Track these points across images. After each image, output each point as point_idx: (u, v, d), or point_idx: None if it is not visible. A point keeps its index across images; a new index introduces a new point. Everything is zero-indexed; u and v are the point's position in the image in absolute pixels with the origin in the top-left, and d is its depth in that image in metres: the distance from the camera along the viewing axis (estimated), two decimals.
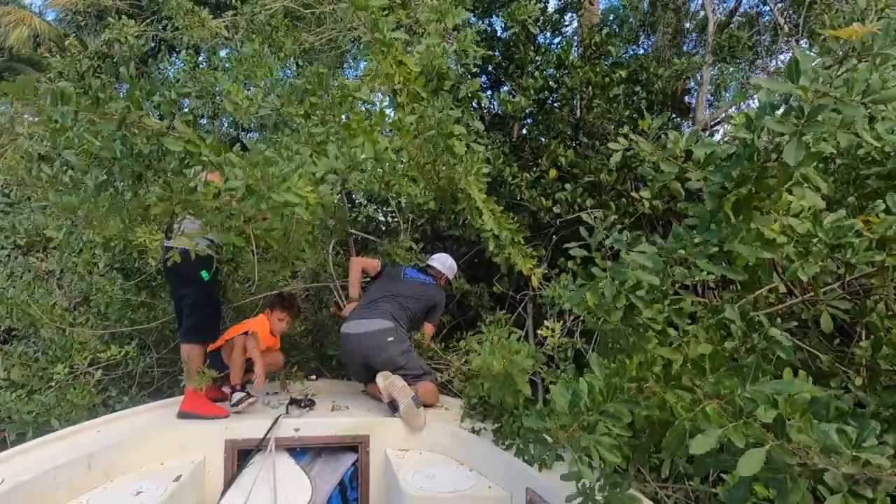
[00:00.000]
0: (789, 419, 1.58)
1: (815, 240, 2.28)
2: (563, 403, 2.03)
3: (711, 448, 1.62)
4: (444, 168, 4.15)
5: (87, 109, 2.43)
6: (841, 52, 1.61)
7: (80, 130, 2.50)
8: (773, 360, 2.31)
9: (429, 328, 5.11)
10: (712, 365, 1.94)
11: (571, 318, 4.90)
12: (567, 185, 5.76)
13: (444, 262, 5.37)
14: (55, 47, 11.57)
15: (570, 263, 2.57)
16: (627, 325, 2.32)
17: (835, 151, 1.72)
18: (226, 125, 5.36)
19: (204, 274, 4.13)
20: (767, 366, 1.83)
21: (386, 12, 3.98)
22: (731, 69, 7.23)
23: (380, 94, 4.12)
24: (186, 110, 6.15)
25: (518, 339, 3.72)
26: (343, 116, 3.56)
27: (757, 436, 1.59)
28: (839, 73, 1.62)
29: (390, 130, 3.74)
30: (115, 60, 8.50)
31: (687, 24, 7.80)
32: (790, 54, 6.43)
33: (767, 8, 7.06)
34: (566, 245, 2.63)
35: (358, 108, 3.75)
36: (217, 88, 4.33)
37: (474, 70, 4.28)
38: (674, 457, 1.89)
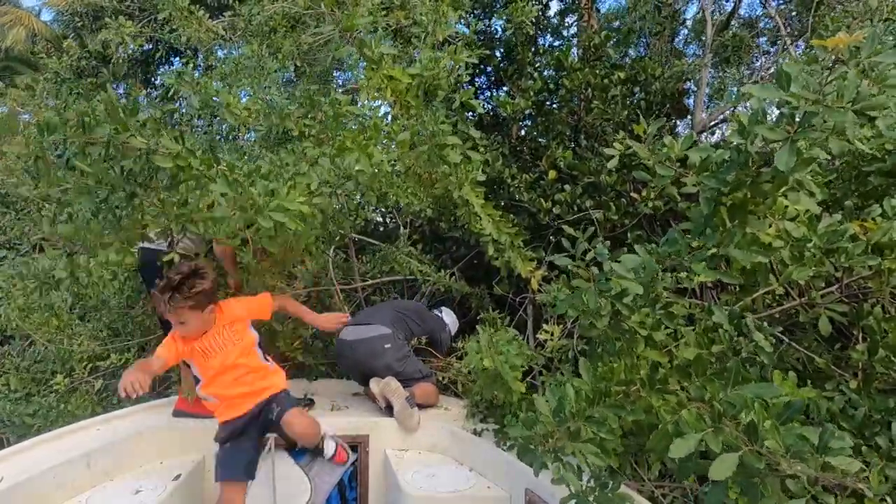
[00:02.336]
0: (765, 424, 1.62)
1: (810, 244, 2.30)
2: (547, 411, 2.05)
3: (691, 452, 1.66)
4: (439, 177, 4.15)
5: (74, 137, 2.43)
6: (829, 60, 1.63)
7: (69, 158, 2.51)
8: (761, 363, 2.34)
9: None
10: (697, 369, 1.97)
11: (571, 320, 4.90)
12: (566, 187, 5.76)
13: (449, 314, 5.45)
14: (52, 47, 11.59)
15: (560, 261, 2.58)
16: (615, 331, 2.35)
17: (828, 157, 1.73)
18: (224, 129, 5.37)
19: None
20: (748, 371, 1.87)
21: (384, 13, 3.98)
22: (731, 70, 7.24)
23: (377, 103, 4.12)
24: (181, 113, 6.12)
25: (514, 339, 3.73)
26: (338, 135, 3.56)
27: (730, 441, 1.64)
28: (829, 80, 1.64)
29: (386, 140, 3.75)
30: (133, 68, 8.51)
31: (685, 29, 7.81)
32: (789, 57, 6.44)
33: (768, 9, 7.06)
34: (550, 258, 2.66)
35: (351, 123, 3.74)
36: (216, 99, 4.31)
37: (469, 76, 4.29)
38: (660, 459, 1.93)
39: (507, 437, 3.51)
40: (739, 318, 2.33)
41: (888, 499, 2.11)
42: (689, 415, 1.75)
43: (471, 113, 5.73)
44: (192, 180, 2.68)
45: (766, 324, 2.46)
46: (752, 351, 2.30)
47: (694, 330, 2.41)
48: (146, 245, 4.07)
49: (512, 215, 4.76)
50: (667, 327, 2.35)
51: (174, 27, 6.29)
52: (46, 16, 18.56)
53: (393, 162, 3.68)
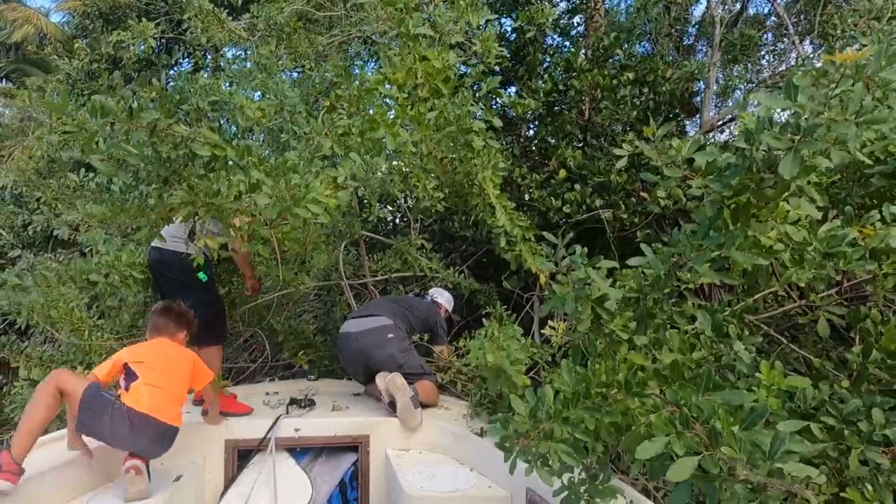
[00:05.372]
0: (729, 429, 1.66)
1: (810, 248, 2.31)
2: (524, 410, 2.06)
3: (658, 454, 1.70)
4: (460, 163, 4.18)
5: (122, 121, 2.53)
6: (837, 74, 1.65)
7: (116, 140, 2.60)
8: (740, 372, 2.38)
9: (443, 350, 5.18)
10: (673, 374, 1.99)
11: (572, 322, 4.90)
12: (576, 186, 5.77)
13: (442, 294, 5.51)
14: (62, 48, 11.66)
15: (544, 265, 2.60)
16: (596, 334, 2.38)
17: (831, 166, 1.76)
18: (234, 129, 5.42)
19: (201, 275, 3.99)
20: (725, 379, 1.89)
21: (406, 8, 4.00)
22: (739, 69, 7.21)
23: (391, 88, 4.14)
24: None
25: (519, 335, 3.72)
26: (368, 109, 3.59)
27: (691, 445, 1.66)
28: (835, 93, 1.66)
29: (409, 124, 3.77)
30: (144, 69, 8.62)
31: (692, 29, 7.78)
32: (796, 55, 6.41)
33: (776, 7, 7.02)
34: (540, 264, 2.69)
35: (379, 101, 3.77)
36: (230, 101, 4.33)
37: (493, 69, 4.32)
38: (634, 461, 1.95)
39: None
40: (723, 323, 2.35)
41: (868, 485, 2.15)
42: (659, 418, 1.77)
43: (495, 104, 5.76)
44: (225, 170, 2.75)
45: (750, 330, 2.47)
46: (733, 359, 2.32)
47: (681, 332, 2.42)
48: (157, 244, 4.08)
49: (522, 214, 4.76)
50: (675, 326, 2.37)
51: (194, 28, 6.31)
52: (56, 17, 18.73)
53: (416, 143, 3.70)
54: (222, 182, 2.75)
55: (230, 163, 2.71)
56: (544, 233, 2.56)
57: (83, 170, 4.38)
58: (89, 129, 2.54)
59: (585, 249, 2.38)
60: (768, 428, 1.60)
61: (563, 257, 2.38)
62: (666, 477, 1.61)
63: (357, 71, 3.89)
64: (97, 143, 2.65)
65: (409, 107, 3.68)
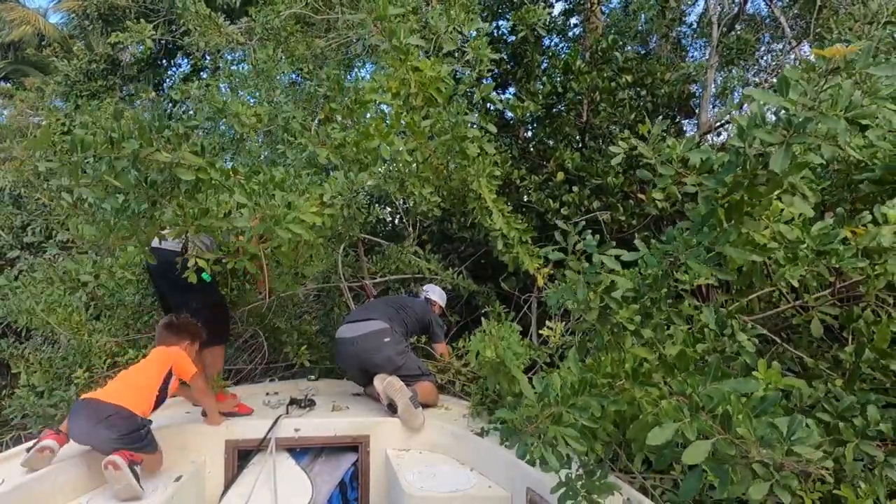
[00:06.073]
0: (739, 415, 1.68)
1: (803, 245, 2.33)
2: (533, 395, 2.07)
3: (668, 440, 1.72)
4: (455, 169, 4.19)
5: (104, 153, 2.53)
6: (827, 69, 1.67)
7: (98, 172, 2.60)
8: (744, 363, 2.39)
9: (441, 347, 5.19)
10: (680, 365, 2.01)
11: (575, 318, 4.93)
12: (574, 188, 5.79)
13: (434, 290, 5.52)
14: (61, 49, 11.67)
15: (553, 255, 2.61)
16: (603, 325, 2.38)
17: (822, 164, 1.78)
18: (231, 132, 5.42)
19: (205, 275, 3.97)
20: (730, 369, 1.91)
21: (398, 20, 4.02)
22: (735, 71, 7.23)
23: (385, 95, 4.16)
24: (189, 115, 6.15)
25: (515, 332, 3.73)
26: (363, 119, 3.60)
27: (704, 429, 1.69)
28: (825, 88, 1.67)
29: (404, 132, 3.78)
30: (143, 70, 8.61)
31: (687, 29, 7.80)
32: (794, 58, 6.44)
33: (773, 9, 7.05)
34: (544, 249, 2.70)
35: (373, 110, 3.78)
36: (226, 107, 4.32)
37: (486, 74, 4.34)
38: (641, 450, 1.96)
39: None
40: (725, 318, 2.36)
41: (862, 483, 2.17)
42: (669, 405, 1.79)
43: (489, 108, 5.77)
44: (212, 189, 2.78)
45: (751, 325, 2.49)
46: (736, 350, 2.33)
47: (689, 328, 2.44)
48: (154, 245, 4.06)
49: (520, 215, 4.78)
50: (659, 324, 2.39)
51: (192, 32, 6.33)
52: (53, 18, 18.74)
53: (411, 151, 3.72)
54: (210, 201, 2.78)
55: (215, 182, 2.74)
56: (557, 221, 2.58)
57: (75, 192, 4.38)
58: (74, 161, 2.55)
59: (597, 236, 2.40)
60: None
61: (575, 244, 2.41)
62: (682, 460, 1.63)
63: (355, 73, 3.92)
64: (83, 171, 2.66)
65: (405, 113, 3.69)
